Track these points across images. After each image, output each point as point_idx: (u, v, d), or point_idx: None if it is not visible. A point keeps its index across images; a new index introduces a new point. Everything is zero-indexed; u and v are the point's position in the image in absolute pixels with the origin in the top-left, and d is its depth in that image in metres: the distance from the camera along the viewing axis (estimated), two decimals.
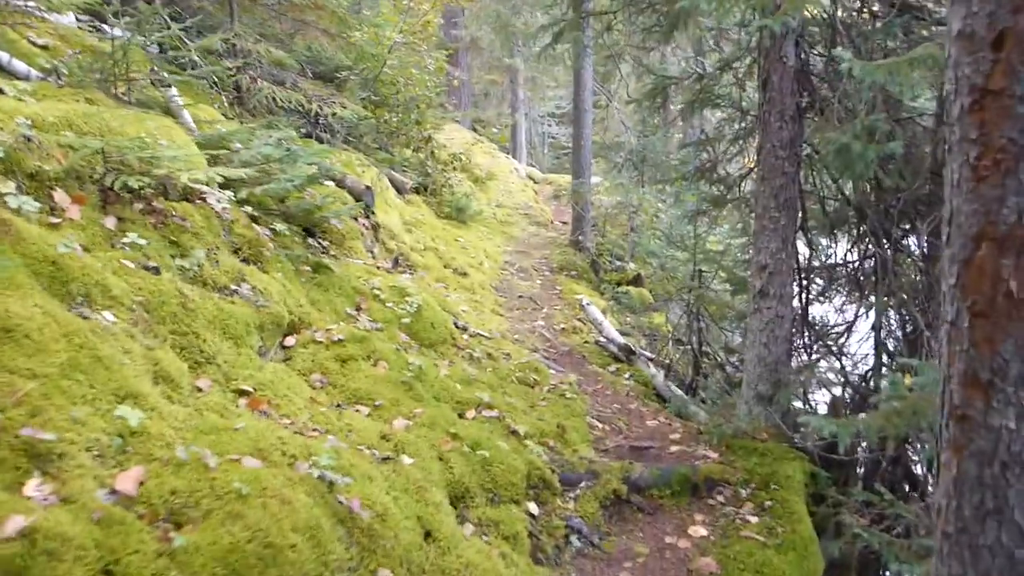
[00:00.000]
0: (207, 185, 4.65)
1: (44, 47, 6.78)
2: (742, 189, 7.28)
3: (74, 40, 6.87)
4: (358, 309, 5.97)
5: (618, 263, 11.52)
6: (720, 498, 5.10)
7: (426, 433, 4.32)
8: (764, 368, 6.09)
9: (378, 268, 7.24)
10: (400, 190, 11.37)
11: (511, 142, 23.08)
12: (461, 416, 4.96)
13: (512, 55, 21.64)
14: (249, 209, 5.53)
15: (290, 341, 4.82)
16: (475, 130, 20.26)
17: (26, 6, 6.53)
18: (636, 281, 10.91)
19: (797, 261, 6.26)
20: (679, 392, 7.62)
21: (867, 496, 5.17)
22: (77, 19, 7.82)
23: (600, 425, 5.90)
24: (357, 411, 4.33)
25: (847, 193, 6.26)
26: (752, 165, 7.68)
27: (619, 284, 10.92)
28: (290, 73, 10.53)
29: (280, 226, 5.77)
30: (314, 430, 3.75)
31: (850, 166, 4.58)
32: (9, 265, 2.59)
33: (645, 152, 11.56)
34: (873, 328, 6.21)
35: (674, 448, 5.74)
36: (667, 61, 13.11)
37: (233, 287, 4.53)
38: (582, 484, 4.89)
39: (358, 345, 4.96)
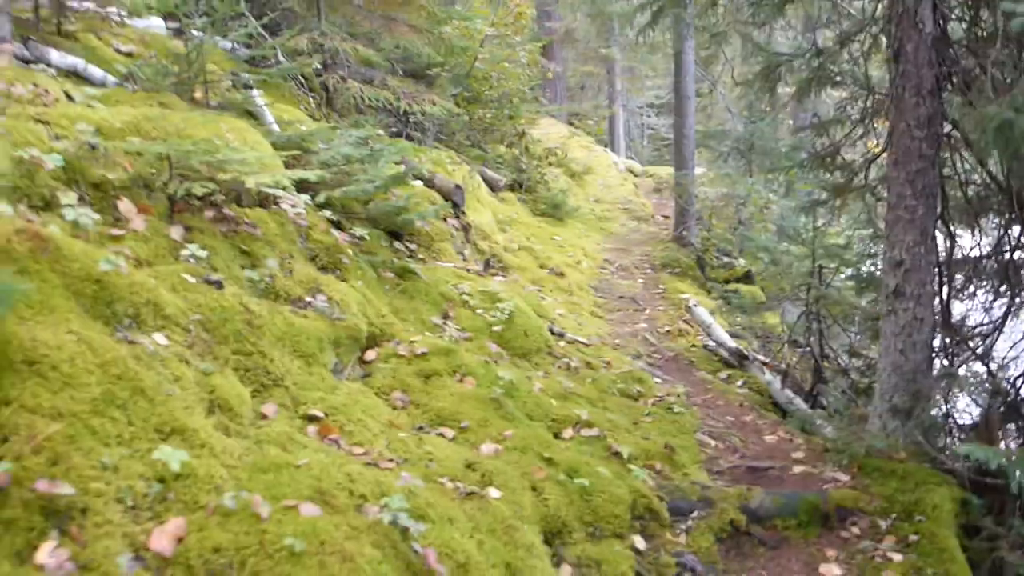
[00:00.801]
0: (278, 188, 4.32)
1: (128, 54, 6.67)
2: (867, 176, 6.52)
3: (156, 45, 6.73)
4: (445, 317, 5.58)
5: (725, 259, 10.81)
6: (855, 530, 4.45)
7: (517, 459, 3.87)
8: (900, 378, 5.37)
9: (468, 271, 6.84)
10: (493, 187, 10.99)
11: (608, 135, 22.43)
12: (557, 436, 4.49)
13: (608, 44, 21.01)
14: (328, 213, 5.21)
15: (370, 355, 4.45)
16: (571, 124, 19.71)
17: (107, 12, 6.43)
18: (746, 278, 10.17)
19: (936, 255, 5.50)
20: (800, 403, 6.93)
21: None
22: (166, 24, 7.72)
23: (712, 442, 5.32)
24: (440, 434, 3.91)
25: (997, 177, 5.46)
26: (878, 149, 6.92)
27: (727, 282, 10.21)
28: (379, 71, 10.29)
29: (362, 230, 5.43)
30: (390, 460, 3.34)
31: (1014, 145, 3.87)
32: (17, 290, 2.26)
33: (753, 139, 10.79)
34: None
35: (797, 469, 5.11)
36: (775, 41, 12.25)
37: (307, 299, 4.19)
38: (694, 514, 4.34)
39: (443, 358, 4.55)
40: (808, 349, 8.11)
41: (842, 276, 7.64)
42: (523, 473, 3.74)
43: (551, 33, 20.37)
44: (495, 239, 8.73)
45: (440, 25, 11.39)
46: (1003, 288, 5.98)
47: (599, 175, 16.64)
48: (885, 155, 6.46)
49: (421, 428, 3.94)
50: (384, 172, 5.41)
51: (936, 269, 5.52)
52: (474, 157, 11.70)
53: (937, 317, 5.79)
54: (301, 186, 5.16)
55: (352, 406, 3.63)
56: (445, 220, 7.46)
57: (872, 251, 7.40)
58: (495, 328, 5.61)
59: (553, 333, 6.42)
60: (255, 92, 6.40)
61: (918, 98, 5.17)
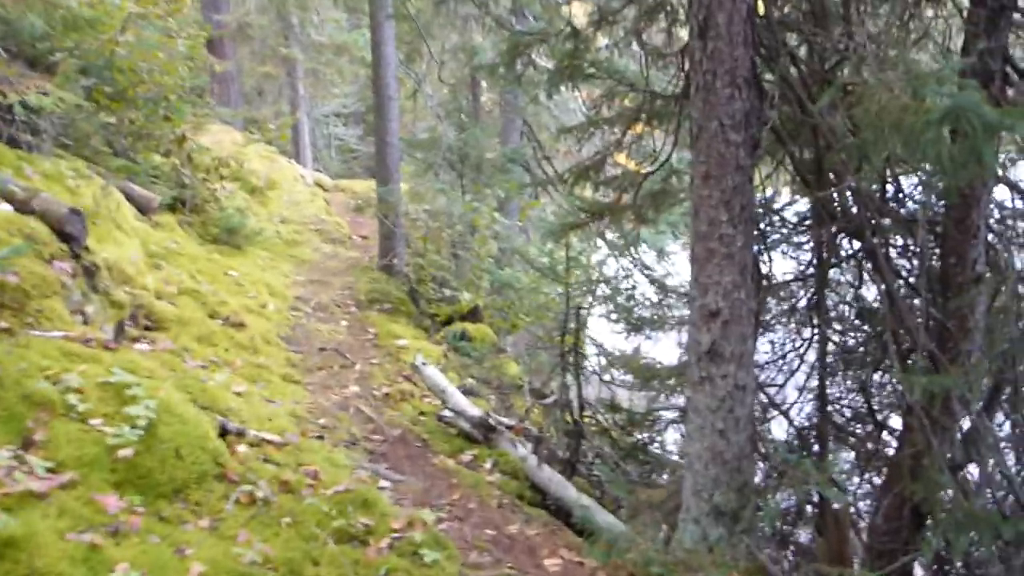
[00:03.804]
0: None
1: None
2: (638, 194, 5.14)
3: None
4: (27, 445, 3.20)
5: (446, 292, 9.15)
6: None
7: None
8: (721, 468, 3.96)
9: (88, 343, 4.42)
10: (144, 209, 8.37)
11: (293, 145, 20.01)
12: None
13: (288, 44, 18.73)
14: None
15: None
16: (248, 132, 17.08)
17: None
18: (473, 315, 8.56)
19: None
20: (561, 482, 5.40)
21: None
22: None
23: None
24: None
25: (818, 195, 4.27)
26: (640, 168, 5.64)
27: (449, 321, 8.51)
28: None
29: None
30: None
31: (941, 146, 2.50)
32: None
33: (466, 148, 9.26)
34: (862, 389, 4.30)
35: None
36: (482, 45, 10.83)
37: None
38: None
39: None
40: (563, 407, 6.67)
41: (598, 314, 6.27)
42: None
43: (221, 27, 17.57)
44: (143, 282, 6.25)
45: None
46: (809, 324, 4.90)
47: (284, 190, 14.26)
48: (657, 172, 5.14)
49: None
50: None
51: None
52: (117, 168, 8.93)
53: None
54: None
55: None
56: (51, 263, 4.93)
57: (632, 285, 6.11)
58: (122, 453, 3.33)
59: (227, 433, 4.24)
60: None
61: (733, 88, 3.80)
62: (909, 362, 3.97)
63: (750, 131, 3.85)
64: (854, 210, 4.17)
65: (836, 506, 3.96)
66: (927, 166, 3.43)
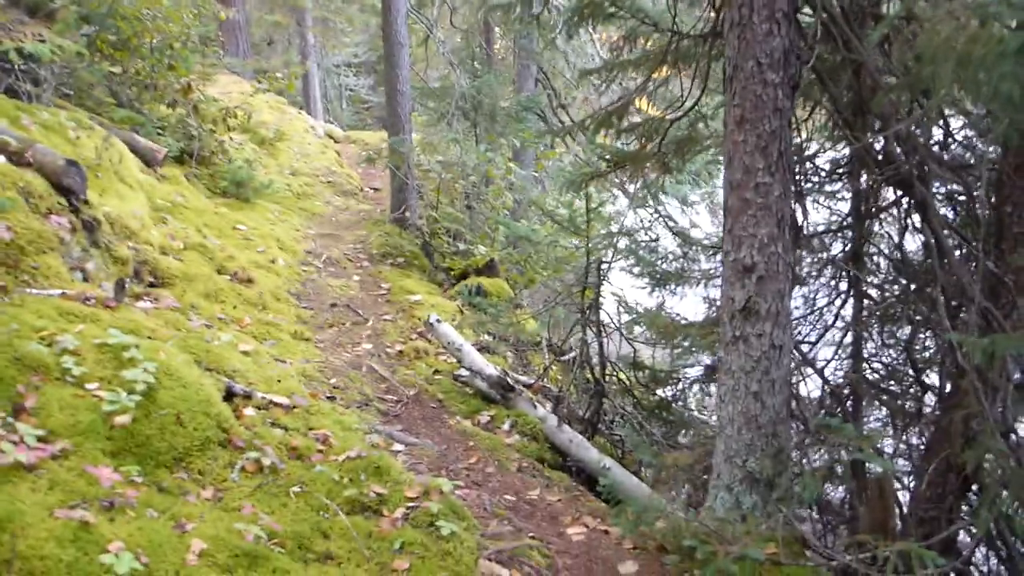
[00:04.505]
0: None
1: None
2: (663, 140, 4.83)
3: None
4: (17, 412, 3.01)
5: (461, 245, 8.87)
6: None
7: None
8: (756, 433, 3.74)
9: (86, 301, 4.22)
10: (149, 161, 8.12)
11: (303, 96, 19.64)
12: None
13: None
14: None
15: None
16: (258, 82, 16.67)
17: None
18: (489, 269, 8.30)
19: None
20: (583, 443, 5.21)
21: None
22: None
23: (506, 575, 3.31)
24: None
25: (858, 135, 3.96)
26: (663, 115, 5.33)
27: (464, 275, 8.26)
28: None
29: None
30: None
31: None
32: None
33: (480, 97, 8.91)
34: (905, 347, 4.04)
35: None
36: None
37: None
38: None
39: None
40: (574, 356, 6.46)
41: (619, 268, 6.00)
42: None
43: None
44: (147, 237, 6.04)
45: None
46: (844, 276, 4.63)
47: (295, 142, 13.96)
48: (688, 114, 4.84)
49: None
50: None
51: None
52: (121, 119, 8.69)
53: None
54: None
55: None
56: (48, 217, 4.72)
57: (654, 237, 5.84)
58: (118, 420, 3.14)
59: (233, 396, 4.04)
60: None
61: (771, 23, 3.49)
62: (959, 318, 3.71)
63: (789, 71, 3.55)
64: (899, 152, 3.87)
65: (877, 470, 3.74)
66: (989, 106, 3.11)
